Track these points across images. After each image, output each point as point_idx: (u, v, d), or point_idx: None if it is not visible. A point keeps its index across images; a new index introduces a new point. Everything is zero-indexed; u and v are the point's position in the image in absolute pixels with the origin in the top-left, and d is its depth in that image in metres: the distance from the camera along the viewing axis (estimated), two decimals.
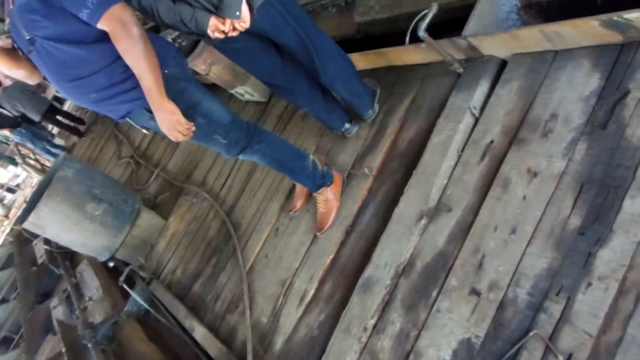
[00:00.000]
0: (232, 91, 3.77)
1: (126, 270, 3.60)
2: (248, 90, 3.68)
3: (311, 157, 2.46)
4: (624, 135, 1.65)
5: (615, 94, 1.74)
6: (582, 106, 1.81)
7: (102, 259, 3.86)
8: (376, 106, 2.68)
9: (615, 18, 1.69)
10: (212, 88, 3.95)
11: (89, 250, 3.82)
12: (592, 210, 1.61)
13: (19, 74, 1.98)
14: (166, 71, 1.87)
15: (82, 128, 8.06)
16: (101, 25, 1.65)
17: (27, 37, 1.75)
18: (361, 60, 2.81)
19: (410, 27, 2.25)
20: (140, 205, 3.96)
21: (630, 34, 1.73)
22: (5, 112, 7.14)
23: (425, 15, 2.18)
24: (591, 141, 1.73)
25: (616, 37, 1.78)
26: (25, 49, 1.83)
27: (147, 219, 3.95)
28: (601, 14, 1.73)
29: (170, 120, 1.83)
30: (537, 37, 1.99)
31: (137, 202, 3.94)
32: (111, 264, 3.94)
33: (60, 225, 3.54)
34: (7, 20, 1.84)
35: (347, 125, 2.71)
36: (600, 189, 1.63)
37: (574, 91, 1.87)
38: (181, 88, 1.94)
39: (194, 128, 1.93)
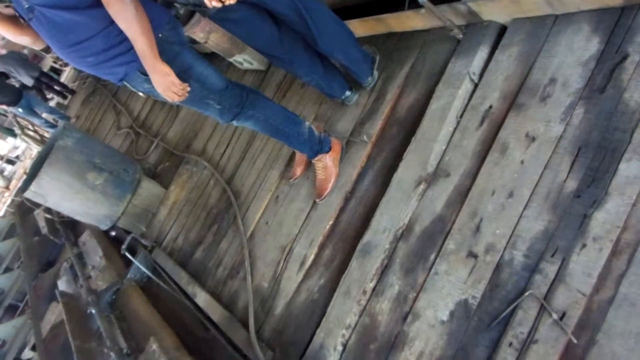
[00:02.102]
0: (231, 59, 3.75)
1: (128, 239, 3.64)
2: (247, 59, 3.66)
3: (307, 123, 2.47)
4: (622, 99, 1.66)
5: (614, 57, 1.74)
6: (580, 70, 1.82)
7: (104, 227, 3.90)
8: (375, 73, 2.67)
9: None
10: (211, 57, 3.95)
11: (91, 219, 3.86)
12: (589, 173, 1.63)
13: (24, 40, 2.02)
14: (160, 35, 1.89)
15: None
16: None
17: (26, 6, 1.78)
18: (360, 27, 2.79)
19: None
20: (141, 174, 3.98)
21: None
22: (9, 83, 7.22)
23: None
24: (589, 105, 1.74)
25: (616, 0, 1.77)
26: (26, 16, 1.85)
27: (148, 188, 3.98)
28: None
29: (165, 82, 1.88)
30: (537, 1, 1.98)
31: (138, 171, 3.96)
32: (113, 233, 3.99)
33: (62, 194, 3.56)
34: None
35: (347, 93, 2.71)
36: (597, 152, 1.64)
37: (573, 55, 1.86)
38: (175, 52, 1.96)
39: (188, 88, 1.97)
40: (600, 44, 1.80)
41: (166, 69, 1.85)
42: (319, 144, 2.48)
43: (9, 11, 1.97)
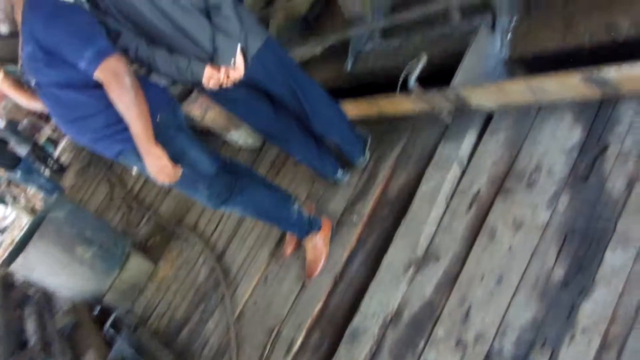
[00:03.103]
0: (226, 137, 3.82)
1: (112, 316, 3.56)
2: (242, 136, 3.73)
3: (296, 204, 2.48)
4: (605, 189, 1.68)
5: (596, 147, 1.78)
6: (564, 158, 1.86)
7: (89, 302, 3.81)
8: (367, 154, 2.72)
9: (594, 73, 1.76)
10: (206, 133, 4.02)
11: (76, 295, 3.77)
12: (575, 261, 1.63)
13: (37, 106, 2.10)
14: (157, 118, 1.93)
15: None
16: (96, 75, 1.74)
17: (33, 82, 1.87)
18: (353, 108, 2.86)
19: (401, 78, 2.32)
20: (131, 248, 3.94)
21: (607, 90, 1.79)
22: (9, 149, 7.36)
23: (415, 66, 2.26)
24: (574, 193, 1.76)
25: (595, 92, 1.84)
26: (34, 89, 1.94)
27: (137, 263, 3.92)
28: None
29: (157, 165, 1.90)
30: (522, 90, 2.05)
31: (128, 245, 3.92)
32: (97, 310, 3.88)
33: (49, 268, 3.51)
34: (20, 63, 1.94)
35: (339, 173, 2.74)
36: (583, 240, 1.65)
37: (557, 144, 1.91)
38: (170, 135, 2.00)
39: (180, 171, 1.98)
40: (583, 133, 1.86)
41: (159, 152, 1.88)
42: (308, 225, 2.48)
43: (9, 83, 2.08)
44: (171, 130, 2.00)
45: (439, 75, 2.62)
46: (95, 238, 3.73)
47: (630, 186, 1.62)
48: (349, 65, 3.17)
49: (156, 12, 1.99)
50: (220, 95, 2.33)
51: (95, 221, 3.97)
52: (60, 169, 8.59)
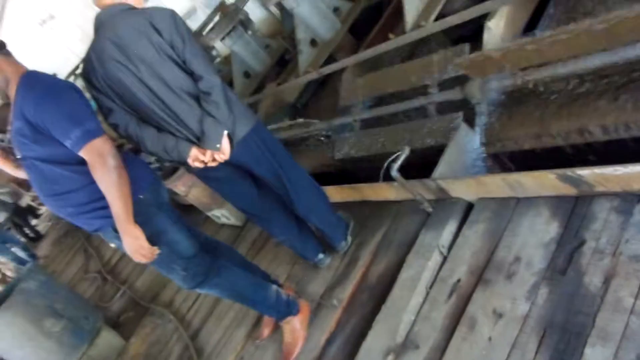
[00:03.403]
0: (209, 213, 3.84)
1: None
2: (224, 214, 3.75)
3: (274, 287, 2.47)
4: (582, 283, 1.72)
5: (573, 242, 1.84)
6: (543, 252, 1.91)
7: None
8: (349, 238, 2.75)
9: (569, 173, 1.85)
10: (189, 209, 4.03)
11: None
12: (555, 355, 1.63)
13: (21, 174, 2.12)
14: (140, 196, 1.99)
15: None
16: (82, 154, 1.82)
17: (19, 156, 1.91)
18: (337, 194, 2.93)
19: (384, 167, 2.41)
20: (102, 323, 3.82)
21: (583, 188, 1.88)
22: None
23: (397, 157, 2.35)
24: (552, 286, 1.80)
25: (571, 190, 1.93)
26: (19, 161, 1.96)
27: (107, 339, 3.78)
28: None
29: (134, 245, 1.93)
30: (500, 185, 2.13)
31: (99, 319, 3.80)
32: None
33: (13, 341, 3.37)
34: (8, 134, 2.00)
35: (320, 256, 2.76)
36: (562, 334, 1.66)
37: (535, 237, 1.97)
38: (151, 214, 2.04)
39: (157, 252, 2.01)
40: (560, 228, 1.92)
41: (137, 232, 1.91)
42: (286, 307, 2.46)
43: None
44: (152, 209, 2.04)
45: (420, 167, 2.74)
46: (66, 311, 3.62)
47: (607, 282, 1.66)
48: (334, 152, 3.27)
49: (148, 94, 2.09)
50: (205, 174, 2.38)
51: (67, 293, 3.87)
52: (37, 237, 8.41)
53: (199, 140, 2.19)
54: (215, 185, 2.57)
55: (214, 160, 2.23)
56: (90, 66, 2.10)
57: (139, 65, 2.04)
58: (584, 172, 1.82)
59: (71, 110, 1.84)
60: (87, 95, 2.12)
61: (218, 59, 5.67)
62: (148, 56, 2.04)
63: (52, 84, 1.87)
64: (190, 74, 2.10)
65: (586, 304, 1.67)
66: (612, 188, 1.82)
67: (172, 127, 2.17)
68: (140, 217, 1.95)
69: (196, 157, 2.21)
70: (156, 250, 2.00)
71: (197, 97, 2.14)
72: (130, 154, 2.14)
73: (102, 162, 1.82)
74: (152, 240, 2.01)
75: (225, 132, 2.17)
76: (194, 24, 7.13)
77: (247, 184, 2.53)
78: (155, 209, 2.06)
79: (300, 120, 3.47)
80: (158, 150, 2.22)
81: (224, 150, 2.19)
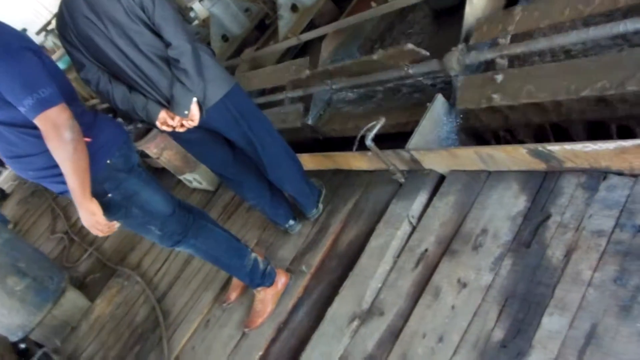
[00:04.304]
0: (181, 177, 3.79)
1: (38, 354, 3.35)
2: (196, 178, 3.71)
3: (252, 255, 2.43)
4: (545, 255, 1.76)
5: (539, 216, 1.87)
6: (509, 224, 1.93)
7: (14, 338, 3.58)
8: (320, 206, 2.75)
9: (540, 148, 1.87)
10: (161, 172, 3.98)
11: (1, 328, 3.55)
12: (514, 324, 1.67)
13: None
14: (108, 161, 1.92)
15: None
16: (36, 122, 1.70)
17: None
18: (310, 161, 2.92)
19: (359, 136, 2.40)
20: (67, 283, 3.77)
21: (552, 164, 1.91)
22: None
23: (372, 126, 2.34)
24: (516, 258, 1.83)
25: (540, 165, 1.95)
26: None
27: (72, 299, 3.75)
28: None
29: (91, 220, 1.87)
30: (472, 157, 2.15)
31: (64, 280, 3.76)
32: (22, 345, 3.65)
33: None
34: None
35: (291, 222, 2.76)
36: (523, 304, 1.70)
37: (503, 210, 2.00)
38: (120, 179, 1.98)
39: (115, 227, 1.97)
40: (527, 202, 1.95)
41: (93, 207, 1.84)
42: (261, 278, 2.44)
43: None
44: (122, 174, 1.98)
45: (394, 137, 2.74)
46: (30, 270, 3.57)
47: (568, 255, 1.70)
48: (309, 119, 3.25)
49: (119, 54, 2.04)
50: (177, 135, 2.34)
51: (32, 253, 3.80)
52: (2, 197, 8.21)
53: (168, 104, 2.15)
54: (188, 147, 2.54)
55: (182, 126, 2.20)
56: (62, 21, 2.06)
57: (108, 26, 2.00)
58: (554, 147, 1.84)
59: (25, 75, 1.69)
60: (59, 52, 2.05)
61: (196, 21, 5.55)
62: (118, 17, 1.99)
63: (5, 44, 1.70)
64: (161, 37, 2.05)
65: (547, 275, 1.71)
66: (580, 164, 1.84)
67: (143, 88, 2.14)
68: (109, 182, 1.91)
69: (164, 120, 2.18)
70: (114, 225, 1.95)
71: (167, 62, 2.09)
72: (101, 115, 2.05)
73: (56, 134, 1.69)
74: (123, 204, 1.97)
75: (195, 100, 2.13)
76: None
77: (221, 146, 2.50)
78: (125, 174, 1.99)
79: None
80: (128, 109, 2.19)
81: (192, 117, 2.16)
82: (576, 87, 1.98)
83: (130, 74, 2.10)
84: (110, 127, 2.02)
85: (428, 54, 2.44)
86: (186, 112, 2.13)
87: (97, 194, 1.87)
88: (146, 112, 2.17)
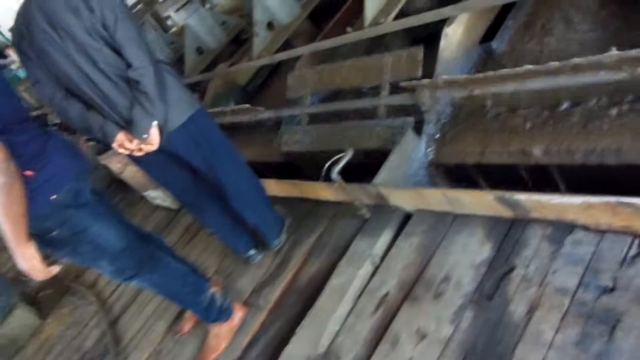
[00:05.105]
0: (144, 193, 3.66)
1: None
2: (160, 195, 3.59)
3: (210, 290, 2.30)
4: (507, 310, 1.68)
5: (503, 267, 1.80)
6: (473, 273, 1.86)
7: None
8: (283, 236, 2.65)
9: (506, 196, 1.81)
10: (124, 186, 3.84)
11: None
12: None
13: None
14: (53, 197, 1.77)
15: None
16: None
17: None
18: (276, 187, 2.83)
19: (326, 167, 2.32)
20: (17, 300, 3.60)
21: (519, 212, 1.84)
22: None
23: (340, 159, 2.26)
24: (478, 310, 1.75)
25: (508, 212, 1.88)
26: None
27: (21, 317, 3.57)
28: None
29: (27, 265, 1.68)
30: (439, 199, 2.08)
31: (13, 296, 3.59)
32: None
33: None
34: None
35: (251, 252, 2.66)
36: None
37: (467, 257, 1.92)
38: (66, 216, 1.82)
39: (56, 271, 1.78)
40: (492, 250, 1.88)
41: (29, 252, 1.65)
42: (217, 314, 2.32)
43: None
44: (69, 210, 1.83)
45: (364, 167, 2.66)
46: None
47: (530, 313, 1.63)
48: (281, 144, 3.15)
49: (76, 71, 1.94)
50: (136, 158, 2.22)
51: None
52: None
53: (127, 126, 2.04)
54: (147, 170, 2.43)
55: (140, 149, 2.09)
56: (18, 32, 1.94)
57: (66, 40, 1.88)
58: (521, 196, 1.78)
59: None
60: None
61: (174, 29, 5.43)
62: (77, 33, 1.88)
63: None
64: (121, 57, 1.94)
65: (508, 333, 1.63)
66: (547, 215, 1.78)
67: (101, 107, 2.03)
68: (53, 220, 1.76)
69: (122, 142, 2.06)
70: (54, 270, 1.77)
71: (127, 83, 1.99)
72: (54, 141, 1.86)
73: None
74: (73, 240, 1.84)
75: (155, 123, 2.02)
76: None
77: (181, 171, 2.39)
78: (74, 209, 1.84)
79: (246, 105, 3.31)
80: (83, 127, 2.07)
81: (151, 141, 2.05)
82: None
83: (88, 92, 1.99)
84: (62, 156, 1.85)
85: None
86: (145, 135, 2.02)
87: (39, 232, 1.72)
88: (103, 133, 2.06)
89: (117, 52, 1.94)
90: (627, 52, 1.66)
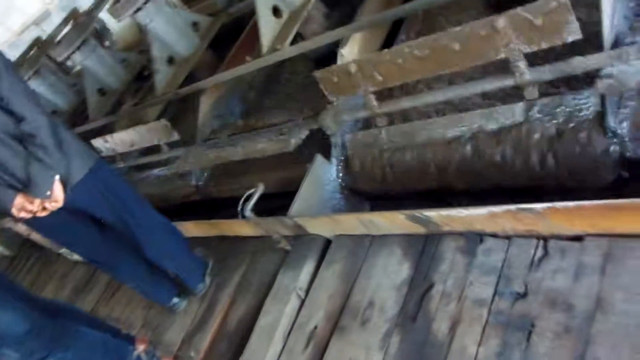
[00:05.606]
0: (60, 251, 3.46)
1: None
2: None
3: (134, 354, 2.18)
4: (431, 329, 1.68)
5: (423, 285, 1.81)
6: (395, 295, 1.86)
7: None
8: (207, 279, 2.57)
9: (416, 214, 1.82)
10: (38, 246, 3.62)
11: None
12: None
13: None
14: None
15: None
16: None
17: None
18: (194, 229, 2.74)
19: (240, 203, 2.26)
20: None
21: (431, 228, 1.86)
22: None
23: (251, 195, 2.21)
24: (404, 333, 1.75)
25: (420, 229, 1.90)
26: None
27: None
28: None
29: None
30: (354, 223, 2.07)
31: None
32: None
33: None
34: None
35: (175, 300, 2.56)
36: None
37: (388, 279, 1.92)
38: None
39: None
40: (411, 269, 1.88)
41: None
42: None
43: None
44: None
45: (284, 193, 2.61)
46: None
47: (453, 329, 1.64)
48: (193, 180, 3.07)
49: None
50: (35, 222, 2.08)
51: None
52: None
53: (25, 187, 1.90)
54: (49, 233, 2.29)
55: (44, 209, 1.95)
56: None
57: None
58: (431, 213, 1.79)
59: None
60: None
61: (77, 68, 5.18)
62: None
63: None
64: (11, 113, 1.81)
65: (434, 353, 1.63)
66: (457, 228, 1.81)
67: None
68: None
69: (22, 206, 1.92)
70: None
71: (20, 141, 1.85)
72: None
73: None
74: None
75: (57, 177, 1.90)
76: (48, 29, 6.50)
77: (87, 228, 2.26)
78: None
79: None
80: None
81: (56, 197, 1.92)
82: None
83: None
84: None
85: None
86: (48, 192, 1.89)
87: None
88: None
89: (3, 109, 1.80)
90: None
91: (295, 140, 2.46)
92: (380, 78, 1.98)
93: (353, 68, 2.01)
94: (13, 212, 1.94)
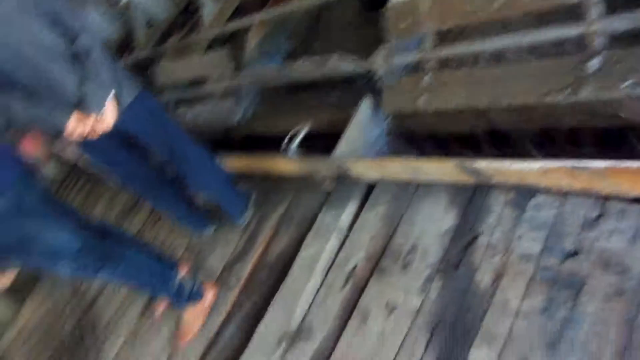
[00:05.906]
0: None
1: None
2: None
3: (178, 277, 2.26)
4: (474, 279, 1.69)
5: (468, 235, 1.80)
6: (439, 242, 1.86)
7: None
8: (250, 211, 2.61)
9: (467, 164, 1.78)
10: (83, 174, 3.72)
11: None
12: (443, 354, 1.61)
13: None
14: None
15: None
16: None
17: None
18: (237, 163, 2.75)
19: (286, 140, 2.26)
20: None
21: (481, 179, 1.82)
22: None
23: (297, 133, 2.20)
24: (445, 280, 1.76)
25: (470, 179, 1.87)
26: None
27: None
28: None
29: None
30: (400, 168, 2.04)
31: None
32: None
33: None
34: None
35: (212, 228, 2.62)
36: (452, 332, 1.64)
37: (432, 225, 1.92)
38: (11, 226, 1.76)
39: (10, 279, 1.73)
40: (456, 218, 1.87)
41: None
42: (187, 298, 2.30)
43: None
44: (11, 221, 1.75)
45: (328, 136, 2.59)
46: None
47: (496, 281, 1.64)
48: (237, 116, 3.05)
49: (8, 55, 1.77)
50: (88, 144, 2.12)
51: None
52: None
53: (78, 105, 1.92)
54: (95, 155, 2.31)
55: (94, 132, 1.98)
56: None
57: None
58: (482, 163, 1.75)
59: None
60: None
61: (122, 2, 5.14)
62: (6, 11, 1.72)
63: None
64: (62, 34, 1.81)
65: (475, 302, 1.65)
66: (508, 180, 1.77)
67: (43, 94, 1.88)
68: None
69: (76, 125, 1.94)
70: (10, 277, 1.73)
71: (73, 59, 1.86)
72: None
73: None
74: (21, 248, 1.77)
75: (112, 93, 1.91)
76: None
77: (132, 156, 2.31)
78: (14, 218, 1.76)
79: None
80: (27, 122, 1.93)
81: (107, 117, 1.94)
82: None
83: (25, 78, 1.82)
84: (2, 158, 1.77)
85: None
86: (102, 108, 1.90)
87: None
88: (51, 122, 1.93)
89: (54, 26, 1.80)
90: None
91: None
92: (446, 18, 1.92)
93: (424, 5, 1.94)
94: (67, 133, 1.97)
